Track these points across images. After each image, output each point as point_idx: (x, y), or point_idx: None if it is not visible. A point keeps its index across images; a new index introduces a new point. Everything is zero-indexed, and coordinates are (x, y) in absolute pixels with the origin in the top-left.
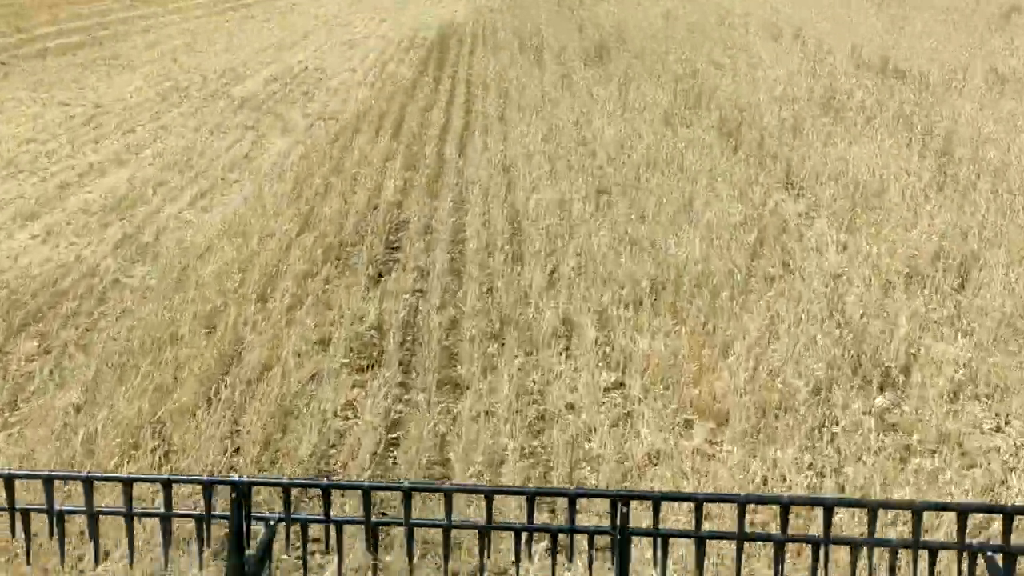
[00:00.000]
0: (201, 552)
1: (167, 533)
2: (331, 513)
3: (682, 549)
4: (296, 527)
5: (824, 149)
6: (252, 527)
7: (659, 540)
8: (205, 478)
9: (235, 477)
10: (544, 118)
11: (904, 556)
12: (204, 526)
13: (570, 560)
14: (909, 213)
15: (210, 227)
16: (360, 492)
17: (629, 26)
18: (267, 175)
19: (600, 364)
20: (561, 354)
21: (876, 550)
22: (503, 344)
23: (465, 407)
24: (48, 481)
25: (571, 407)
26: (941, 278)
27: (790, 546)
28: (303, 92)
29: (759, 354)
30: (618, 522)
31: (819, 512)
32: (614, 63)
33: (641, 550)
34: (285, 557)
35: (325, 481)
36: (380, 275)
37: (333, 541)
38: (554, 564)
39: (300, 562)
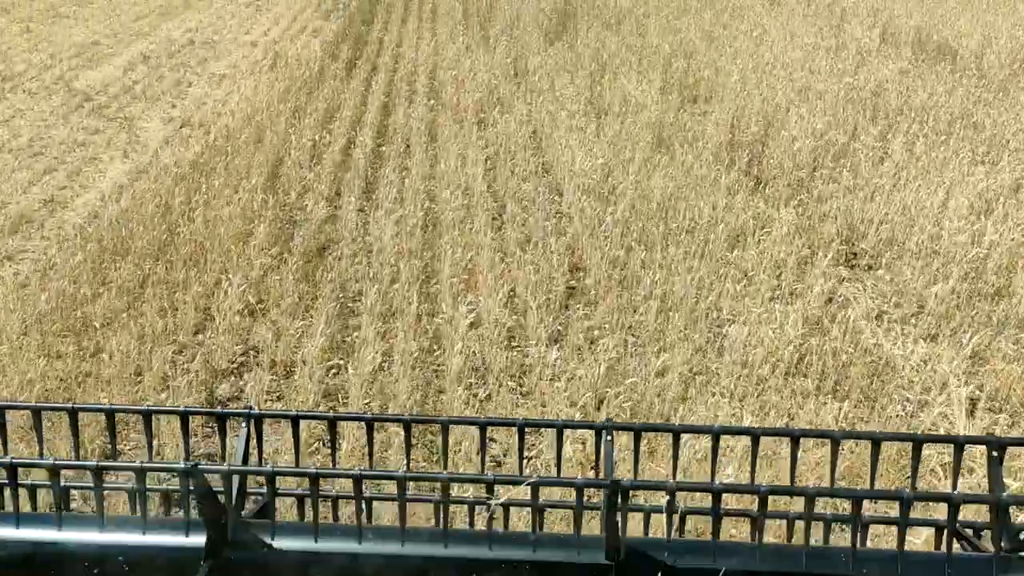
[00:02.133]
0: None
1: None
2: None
3: None
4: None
5: (893, 193)
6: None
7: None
8: (219, 411)
9: (251, 410)
10: (490, 134)
11: None
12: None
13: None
14: None
15: None
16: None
17: None
18: (63, 244)
19: None
20: None
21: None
22: None
23: None
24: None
25: None
26: None
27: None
28: (176, 81)
29: None
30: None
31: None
32: (582, 38)
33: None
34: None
35: (331, 414)
36: None
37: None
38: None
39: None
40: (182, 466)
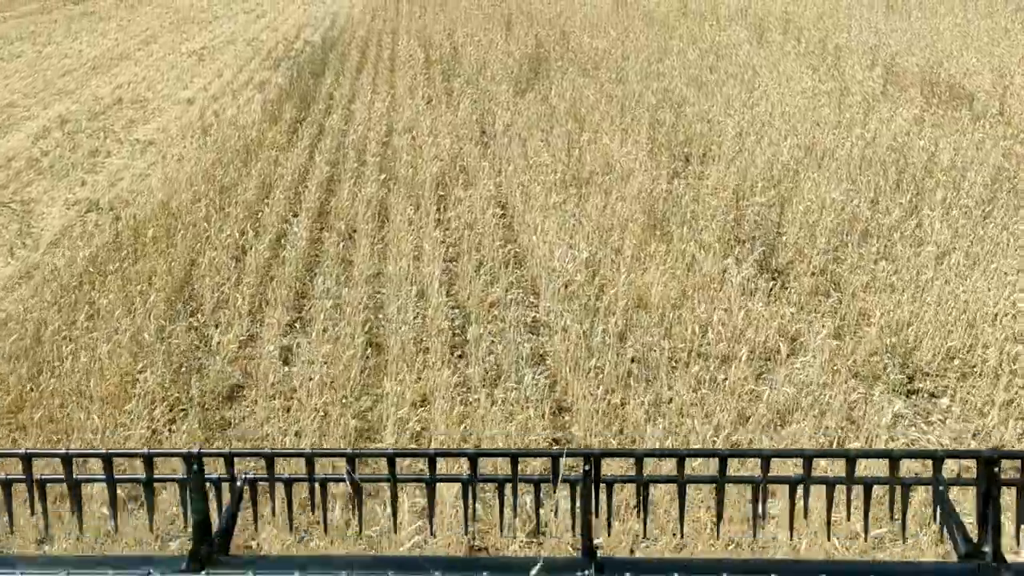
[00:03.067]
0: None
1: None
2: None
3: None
4: (280, 489)
5: (943, 288)
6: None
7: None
8: (185, 450)
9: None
10: (452, 215)
11: (839, 493)
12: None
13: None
14: None
15: None
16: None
17: (571, 20)
18: None
19: None
20: None
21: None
22: None
23: None
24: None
25: None
26: None
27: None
28: (92, 150)
29: None
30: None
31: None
32: (556, 86)
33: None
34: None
35: (309, 450)
36: None
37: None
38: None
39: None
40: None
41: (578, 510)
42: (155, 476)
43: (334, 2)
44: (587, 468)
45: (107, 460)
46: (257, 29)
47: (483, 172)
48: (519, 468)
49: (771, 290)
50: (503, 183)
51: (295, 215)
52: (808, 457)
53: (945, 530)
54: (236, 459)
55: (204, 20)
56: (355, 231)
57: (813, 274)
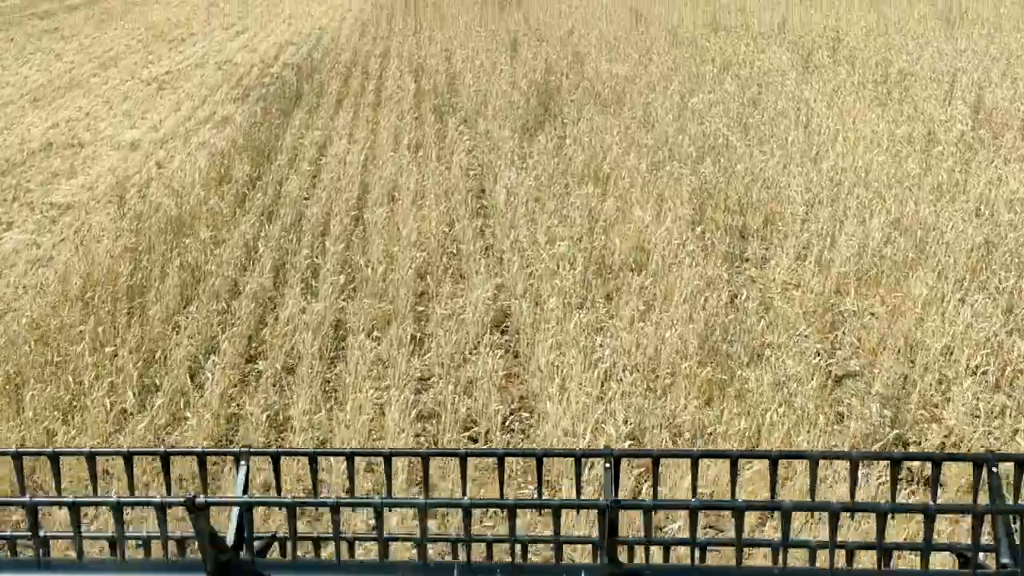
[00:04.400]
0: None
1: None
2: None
3: None
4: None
5: None
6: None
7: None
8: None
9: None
10: (431, 344)
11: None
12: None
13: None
14: None
15: None
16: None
17: (585, 38)
18: None
19: None
20: None
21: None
22: None
23: None
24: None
25: None
26: None
27: None
28: None
29: None
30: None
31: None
32: (571, 127)
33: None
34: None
35: (311, 450)
36: None
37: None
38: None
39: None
40: (180, 500)
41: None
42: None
43: (324, 15)
44: (607, 466)
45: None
46: (233, 48)
47: (479, 264)
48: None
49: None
50: (505, 283)
51: (212, 350)
52: (814, 459)
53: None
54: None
55: (177, 38)
56: (292, 371)
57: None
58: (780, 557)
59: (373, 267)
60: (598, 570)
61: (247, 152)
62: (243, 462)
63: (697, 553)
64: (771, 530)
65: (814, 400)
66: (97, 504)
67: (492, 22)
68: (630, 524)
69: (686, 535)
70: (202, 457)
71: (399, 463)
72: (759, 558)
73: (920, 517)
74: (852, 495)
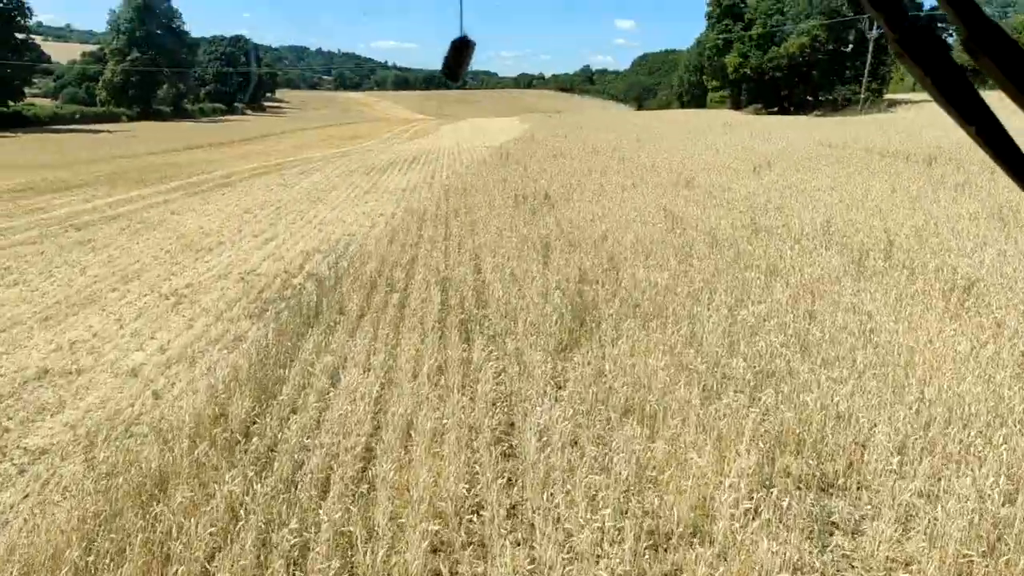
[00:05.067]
0: None
1: None
2: None
3: None
4: None
5: None
6: None
7: None
8: None
9: None
10: None
11: None
12: None
13: None
14: None
15: None
16: None
17: (620, 242)
18: None
19: None
20: None
21: None
22: None
23: None
24: None
25: None
26: None
27: None
28: None
29: None
30: None
31: None
32: (608, 348)
33: None
34: None
35: None
36: None
37: None
38: None
39: None
40: None
41: None
42: None
43: (356, 221)
44: None
45: None
46: (260, 257)
47: (504, 536)
48: None
49: None
50: (537, 560)
51: None
52: None
53: None
54: None
55: (205, 247)
56: None
57: None
58: None
59: (373, 549)
60: None
61: (250, 384)
62: None
63: None
64: None
65: None
66: None
67: (524, 226)
68: None
69: None
70: None
71: None
72: None
73: None
74: None
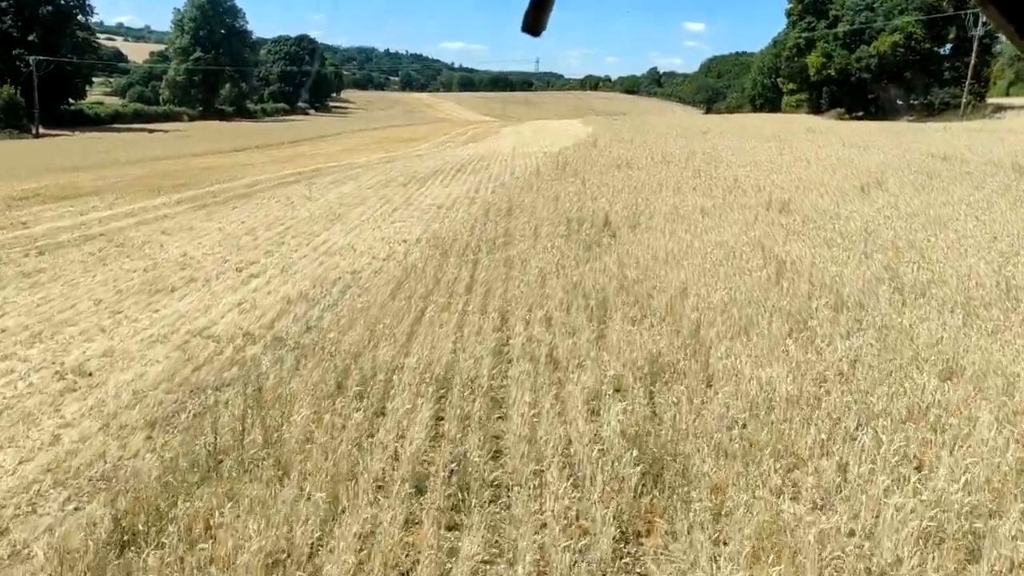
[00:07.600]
0: None
1: None
2: None
3: None
4: None
5: None
6: None
7: None
8: None
9: None
10: None
11: None
12: None
13: None
14: None
15: None
16: None
17: (705, 302)
18: None
19: None
20: None
21: None
22: None
23: None
24: None
25: None
26: None
27: None
28: None
29: None
30: None
31: None
32: (711, 524)
33: None
34: None
35: None
36: None
37: None
38: None
39: None
40: None
41: None
42: None
43: (368, 250)
44: None
45: None
46: (227, 305)
47: None
48: None
49: None
50: None
51: None
52: None
53: None
54: None
55: (169, 286)
56: None
57: None
58: None
59: None
60: None
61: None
62: None
63: None
64: None
65: None
66: None
67: (575, 267)
68: None
69: None
70: None
71: None
72: None
73: None
74: None
